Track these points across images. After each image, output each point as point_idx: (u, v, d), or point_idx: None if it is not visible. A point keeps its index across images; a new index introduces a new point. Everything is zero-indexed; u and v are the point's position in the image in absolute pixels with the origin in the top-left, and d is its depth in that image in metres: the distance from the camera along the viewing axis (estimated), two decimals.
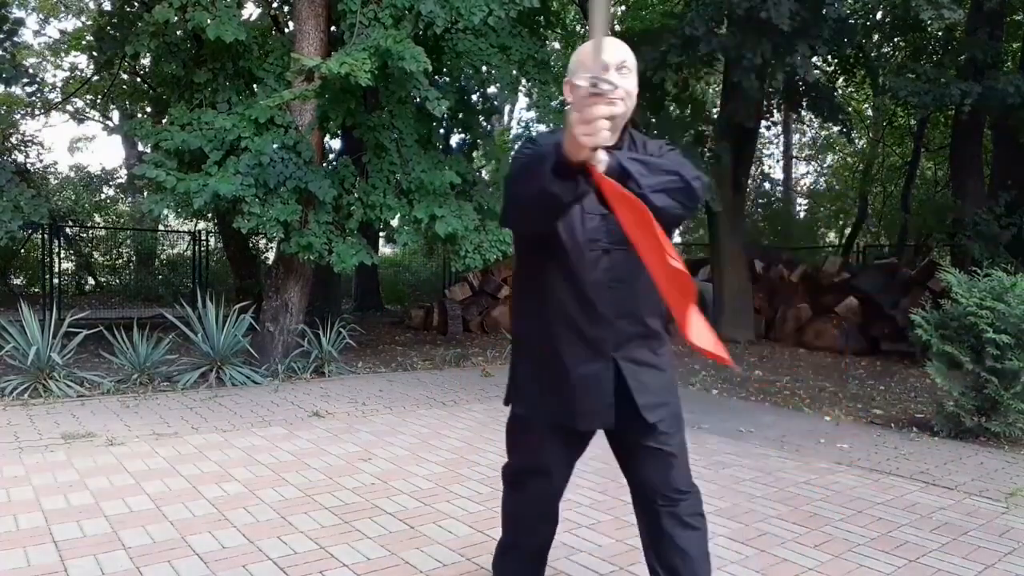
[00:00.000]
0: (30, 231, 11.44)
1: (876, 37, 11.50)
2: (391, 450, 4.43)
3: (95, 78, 13.27)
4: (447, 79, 8.31)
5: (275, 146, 6.39)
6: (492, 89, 11.11)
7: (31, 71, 9.47)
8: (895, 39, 11.67)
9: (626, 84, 1.81)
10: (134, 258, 17.08)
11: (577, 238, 1.89)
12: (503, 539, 2.30)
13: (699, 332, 1.56)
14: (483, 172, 13.90)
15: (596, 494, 3.67)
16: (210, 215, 12.15)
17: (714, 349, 1.55)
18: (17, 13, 11.86)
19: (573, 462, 2.17)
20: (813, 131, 22.04)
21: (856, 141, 15.17)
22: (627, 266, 1.87)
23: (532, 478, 2.14)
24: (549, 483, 2.14)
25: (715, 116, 11.70)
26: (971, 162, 10.41)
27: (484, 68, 7.52)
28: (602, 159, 1.57)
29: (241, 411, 5.31)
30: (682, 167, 1.77)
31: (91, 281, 16.48)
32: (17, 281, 15.66)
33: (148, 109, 12.70)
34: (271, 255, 11.35)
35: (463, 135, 9.66)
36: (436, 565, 2.80)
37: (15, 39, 8.65)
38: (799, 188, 22.72)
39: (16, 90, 11.51)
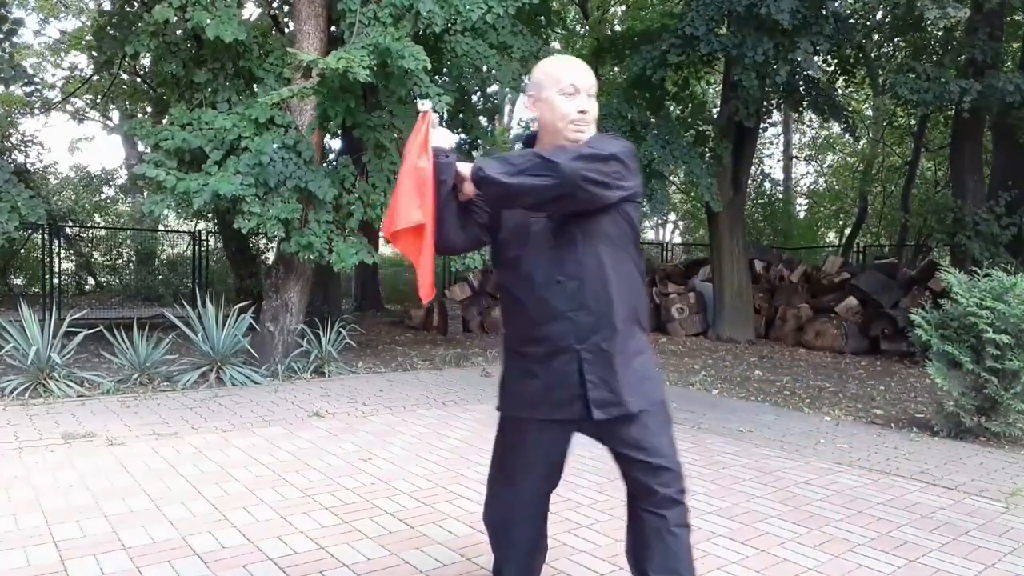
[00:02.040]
0: (30, 231, 11.45)
1: (876, 37, 11.50)
2: (391, 450, 4.43)
3: (95, 78, 13.28)
4: (447, 79, 8.32)
5: (275, 146, 6.39)
6: (492, 88, 11.10)
7: (30, 71, 9.48)
8: (895, 39, 11.67)
9: (593, 108, 2.05)
10: (134, 258, 17.09)
11: (526, 242, 2.04)
12: (494, 560, 2.33)
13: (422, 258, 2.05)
14: None
15: (596, 494, 3.67)
16: (210, 215, 12.15)
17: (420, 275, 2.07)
18: (17, 13, 11.87)
19: (550, 471, 2.18)
20: (813, 131, 22.05)
21: (858, 140, 15.16)
22: (576, 261, 2.00)
23: (507, 484, 2.20)
24: (523, 488, 2.17)
25: (715, 115, 11.70)
26: (971, 162, 10.41)
27: (484, 68, 7.52)
28: (466, 165, 2.01)
29: (241, 411, 5.31)
30: (587, 145, 1.97)
31: (91, 281, 16.48)
32: (17, 281, 15.67)
33: (148, 109, 12.71)
34: (271, 255, 11.35)
35: (463, 135, 9.66)
36: (436, 565, 2.80)
37: (15, 39, 8.65)
38: (799, 188, 22.72)
39: (15, 90, 11.51)
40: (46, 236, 11.41)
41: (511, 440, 2.18)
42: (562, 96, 1.99)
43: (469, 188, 2.00)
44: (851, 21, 9.61)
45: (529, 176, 1.88)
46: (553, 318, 2.00)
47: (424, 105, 2.04)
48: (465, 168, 1.99)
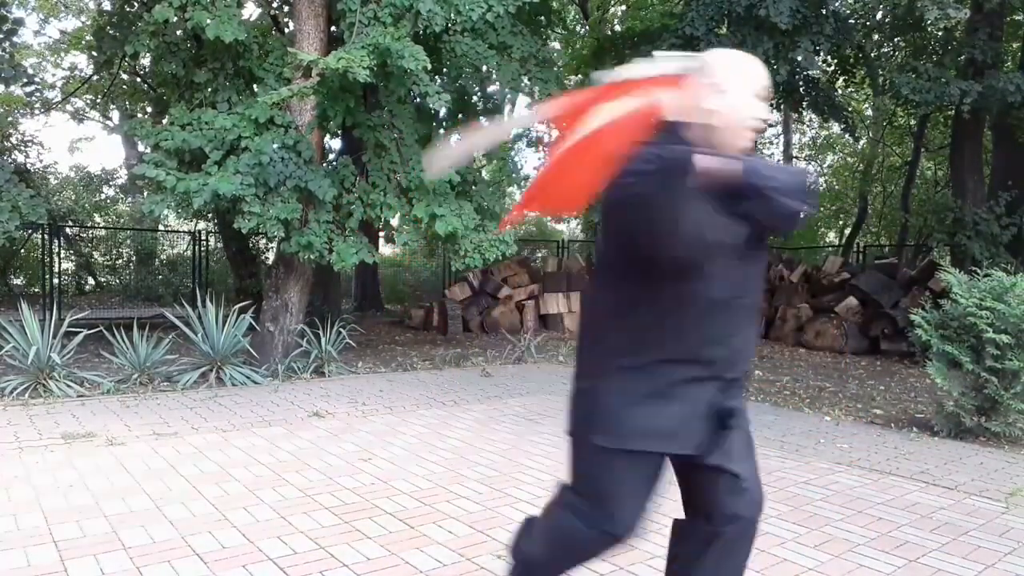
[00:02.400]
0: (30, 231, 11.45)
1: (876, 37, 11.52)
2: (391, 450, 4.43)
3: (95, 78, 13.28)
4: (447, 79, 8.32)
5: (275, 146, 6.39)
6: (492, 88, 11.09)
7: (30, 71, 9.47)
8: (895, 39, 11.68)
9: (767, 113, 1.85)
10: (134, 258, 17.10)
11: (703, 244, 1.66)
12: (539, 553, 1.98)
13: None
14: (483, 172, 13.92)
15: None
16: (210, 215, 12.15)
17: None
18: (17, 13, 11.87)
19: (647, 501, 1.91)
20: (813, 131, 22.05)
21: (857, 140, 15.17)
22: (756, 280, 1.81)
23: (601, 518, 1.86)
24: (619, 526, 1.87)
25: None
26: (971, 162, 10.42)
27: (484, 68, 7.53)
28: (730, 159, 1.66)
29: (241, 411, 5.31)
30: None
31: (91, 281, 16.49)
32: (17, 281, 15.68)
33: (148, 109, 12.71)
34: (271, 255, 11.36)
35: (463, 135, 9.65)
36: (436, 565, 2.80)
37: (15, 39, 8.65)
38: None
39: (16, 90, 11.51)
40: (46, 236, 11.41)
41: (620, 475, 1.81)
42: (755, 98, 1.77)
43: (697, 178, 1.59)
44: (851, 21, 9.63)
45: (792, 199, 1.63)
46: (713, 341, 1.76)
47: (657, 64, 1.68)
48: (708, 161, 1.60)
